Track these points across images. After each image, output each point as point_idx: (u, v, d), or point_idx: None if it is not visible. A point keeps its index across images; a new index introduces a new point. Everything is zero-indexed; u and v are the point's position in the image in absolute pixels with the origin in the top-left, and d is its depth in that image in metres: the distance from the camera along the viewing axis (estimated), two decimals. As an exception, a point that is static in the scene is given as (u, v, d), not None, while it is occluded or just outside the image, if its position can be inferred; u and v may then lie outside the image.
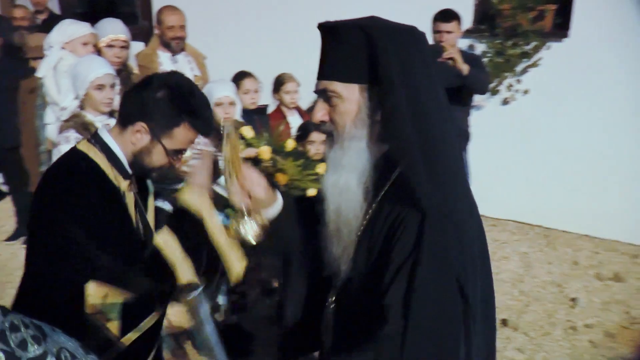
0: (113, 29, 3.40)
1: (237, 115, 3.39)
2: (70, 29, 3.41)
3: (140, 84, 1.68)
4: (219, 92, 3.24)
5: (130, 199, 1.73)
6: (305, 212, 1.58)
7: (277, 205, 1.57)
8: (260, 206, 1.55)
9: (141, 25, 5.99)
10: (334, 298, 1.50)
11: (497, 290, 4.10)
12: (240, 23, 5.56)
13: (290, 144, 3.07)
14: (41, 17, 5.95)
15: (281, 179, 2.88)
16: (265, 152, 2.99)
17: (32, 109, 3.83)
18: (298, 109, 3.94)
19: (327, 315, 1.52)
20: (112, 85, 2.75)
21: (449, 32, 3.80)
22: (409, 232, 1.26)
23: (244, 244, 1.60)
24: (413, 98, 1.27)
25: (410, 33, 1.33)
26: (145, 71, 3.47)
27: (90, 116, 2.75)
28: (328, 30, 1.35)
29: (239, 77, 3.65)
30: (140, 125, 1.61)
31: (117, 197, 1.67)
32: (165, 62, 3.97)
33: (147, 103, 1.60)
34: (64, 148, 2.66)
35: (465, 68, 3.56)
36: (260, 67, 4.01)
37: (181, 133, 1.62)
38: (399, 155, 1.29)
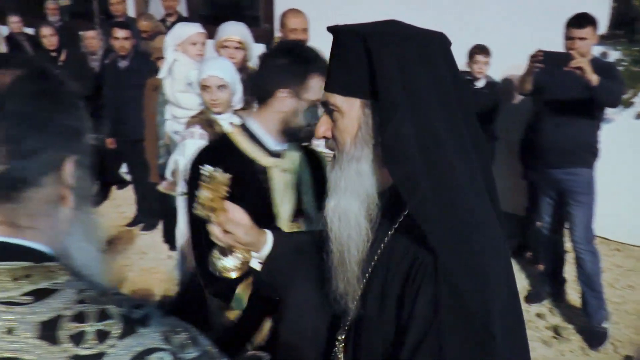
0: (228, 31, 3.47)
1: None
2: (180, 31, 3.58)
3: (262, 63, 1.94)
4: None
5: (278, 176, 1.89)
6: (309, 247, 1.46)
7: (266, 246, 1.46)
8: (246, 247, 1.44)
9: (263, 27, 6.14)
10: (343, 337, 1.34)
11: (619, 322, 3.79)
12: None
13: None
14: (170, 20, 6.30)
15: None
16: None
17: (154, 106, 4.09)
18: None
19: (336, 355, 1.36)
20: (221, 87, 2.80)
21: (582, 38, 3.48)
22: (426, 281, 1.09)
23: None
24: (420, 118, 1.08)
25: (425, 42, 1.13)
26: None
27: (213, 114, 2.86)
28: (334, 34, 1.19)
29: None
30: (280, 92, 1.82)
31: (251, 173, 1.85)
32: None
33: (277, 71, 1.82)
34: (188, 142, 2.80)
35: (594, 79, 3.25)
36: None
37: (313, 81, 1.82)
38: (400, 186, 1.09)
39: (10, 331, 0.70)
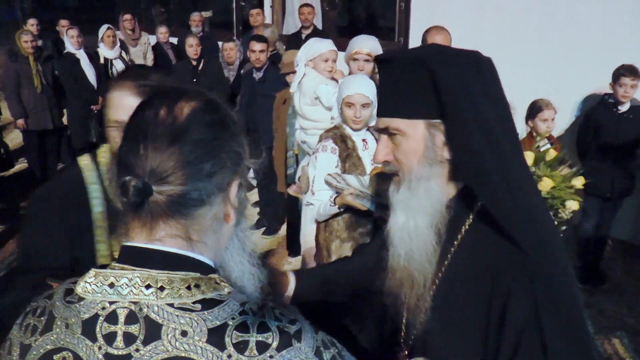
0: (358, 44, 3.51)
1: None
2: (313, 47, 3.63)
3: None
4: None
5: None
6: (337, 276, 1.54)
7: (290, 287, 1.52)
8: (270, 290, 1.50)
9: (398, 41, 6.10)
10: (406, 352, 1.33)
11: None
12: (503, 43, 5.32)
13: (552, 154, 2.89)
14: (306, 33, 6.46)
15: (545, 185, 2.76)
16: (529, 156, 2.83)
17: (284, 117, 4.22)
18: (550, 137, 3.62)
19: None
20: (365, 105, 2.79)
21: None
22: (517, 283, 1.11)
23: None
24: (486, 130, 1.13)
25: (473, 60, 1.20)
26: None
27: (348, 130, 2.87)
28: (384, 63, 1.24)
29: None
30: None
31: None
32: None
33: None
34: (320, 155, 2.83)
35: None
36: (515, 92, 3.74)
37: None
38: (482, 194, 1.14)
39: (184, 333, 0.79)
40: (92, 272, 0.85)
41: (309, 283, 1.55)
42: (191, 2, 9.56)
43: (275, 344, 0.80)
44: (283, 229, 5.32)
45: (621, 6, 4.48)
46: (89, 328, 0.81)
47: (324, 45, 3.65)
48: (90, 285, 0.83)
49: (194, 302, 0.81)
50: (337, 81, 3.57)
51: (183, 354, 0.77)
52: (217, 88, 5.79)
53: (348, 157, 2.80)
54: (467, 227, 1.22)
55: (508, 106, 1.21)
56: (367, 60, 3.49)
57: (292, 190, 4.46)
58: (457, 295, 1.21)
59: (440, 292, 1.24)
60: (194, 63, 5.96)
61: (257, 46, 4.96)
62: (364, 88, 2.78)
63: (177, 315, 0.80)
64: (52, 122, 6.37)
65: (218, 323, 0.80)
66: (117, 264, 0.85)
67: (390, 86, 1.22)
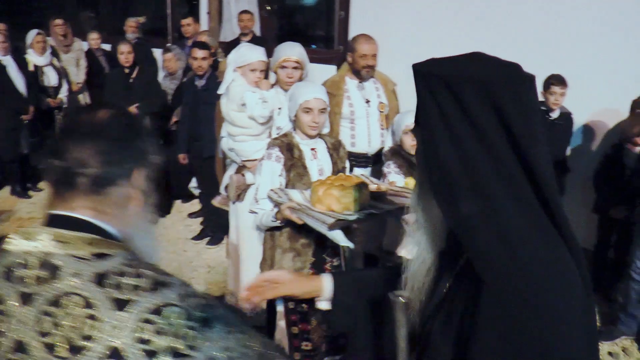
0: (286, 52, 3.48)
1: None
2: (243, 56, 3.54)
3: None
4: (408, 120, 3.22)
5: None
6: (375, 280, 1.52)
7: (326, 289, 1.51)
8: (303, 296, 1.52)
9: (337, 49, 6.17)
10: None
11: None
12: (442, 52, 5.47)
13: None
14: (245, 40, 6.40)
15: None
16: None
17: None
18: None
19: None
20: (322, 110, 2.78)
21: None
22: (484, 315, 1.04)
23: None
24: (456, 149, 1.04)
25: (487, 81, 1.04)
26: (332, 98, 3.50)
27: (297, 138, 2.85)
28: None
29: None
30: None
31: None
32: (351, 89, 4.05)
33: None
34: (265, 163, 2.80)
35: None
36: None
37: None
38: (448, 216, 1.08)
39: (77, 275, 1.04)
40: (17, 230, 1.12)
41: (346, 281, 1.54)
42: (122, 7, 9.31)
43: (146, 287, 1.04)
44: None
45: (558, 12, 4.70)
46: (7, 272, 1.07)
47: (254, 55, 3.56)
48: (14, 239, 1.10)
49: (89, 254, 1.07)
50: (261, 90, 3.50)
51: (75, 291, 1.02)
52: (150, 96, 5.68)
53: (293, 166, 2.78)
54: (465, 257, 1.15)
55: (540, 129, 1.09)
56: (295, 68, 3.46)
57: (216, 202, 4.34)
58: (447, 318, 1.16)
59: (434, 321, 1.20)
60: (126, 71, 5.79)
61: (199, 53, 4.90)
62: (321, 93, 2.79)
63: (74, 262, 1.05)
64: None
65: (104, 269, 1.05)
66: (37, 225, 1.12)
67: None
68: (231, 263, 3.65)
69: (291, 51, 3.47)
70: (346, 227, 2.48)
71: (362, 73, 4.01)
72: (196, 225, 5.82)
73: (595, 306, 1.12)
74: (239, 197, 3.50)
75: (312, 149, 2.88)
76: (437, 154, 1.06)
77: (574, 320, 1.01)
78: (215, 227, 5.39)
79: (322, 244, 2.75)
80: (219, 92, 3.65)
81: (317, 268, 2.83)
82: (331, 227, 2.37)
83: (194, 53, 4.94)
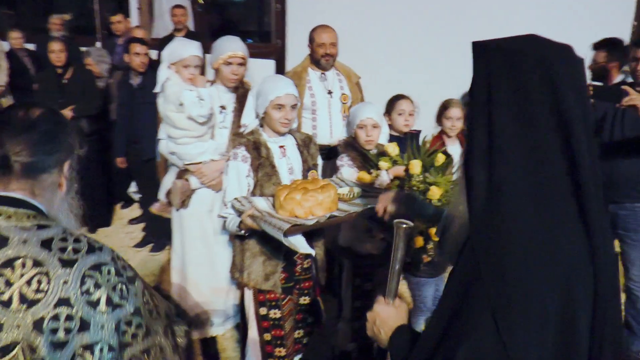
0: (231, 47, 3.25)
1: (383, 139, 3.24)
2: (176, 51, 3.28)
3: None
4: (363, 114, 3.13)
5: None
6: None
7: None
8: None
9: (275, 43, 6.03)
10: None
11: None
12: (382, 43, 5.44)
13: (440, 159, 2.90)
14: (179, 35, 6.18)
15: (435, 192, 2.73)
16: (415, 165, 2.83)
17: None
18: (461, 138, 3.67)
19: None
20: (293, 106, 2.65)
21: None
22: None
23: None
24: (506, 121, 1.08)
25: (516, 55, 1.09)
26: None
27: (264, 136, 2.71)
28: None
29: (395, 99, 3.50)
30: None
31: None
32: (313, 80, 3.99)
33: None
34: (231, 164, 2.64)
35: None
36: (422, 93, 3.78)
37: None
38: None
39: (25, 241, 1.25)
40: None
41: None
42: (43, 4, 8.80)
43: (84, 250, 1.30)
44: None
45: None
46: None
47: (188, 50, 3.26)
48: None
49: (32, 226, 1.29)
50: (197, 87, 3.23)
51: (25, 254, 1.24)
52: (86, 98, 5.35)
53: (260, 166, 2.63)
54: None
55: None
56: (241, 64, 3.26)
57: (155, 209, 4.02)
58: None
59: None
60: (59, 71, 5.38)
61: (139, 49, 4.66)
62: (292, 88, 2.65)
63: (20, 232, 1.27)
64: None
65: (48, 236, 1.28)
66: None
67: None
68: (175, 272, 3.46)
69: (237, 46, 3.26)
70: (311, 232, 2.36)
71: (322, 62, 3.99)
72: (138, 232, 5.57)
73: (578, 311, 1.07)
74: (184, 203, 3.30)
75: (281, 147, 2.73)
76: (483, 124, 1.09)
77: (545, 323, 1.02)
78: (157, 233, 5.16)
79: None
80: (154, 90, 3.37)
81: (289, 272, 2.72)
82: (287, 234, 2.24)
83: (133, 49, 4.69)
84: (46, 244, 1.25)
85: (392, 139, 3.33)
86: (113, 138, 5.24)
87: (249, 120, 2.76)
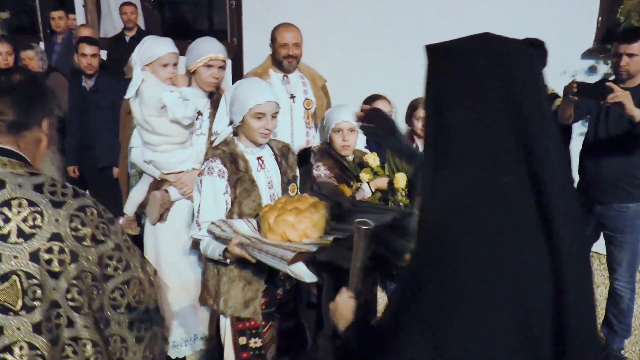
0: (212, 49, 3.05)
1: (360, 143, 3.11)
2: (149, 50, 3.04)
3: None
4: (338, 117, 2.97)
5: None
6: None
7: None
8: None
9: (231, 42, 5.82)
10: None
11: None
12: (372, 47, 5.28)
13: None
14: (129, 35, 5.91)
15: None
16: (400, 179, 2.72)
17: (129, 130, 3.47)
18: None
19: None
20: (274, 115, 2.41)
21: (631, 55, 3.08)
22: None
23: None
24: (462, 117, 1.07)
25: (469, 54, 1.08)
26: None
27: (241, 147, 2.44)
28: None
29: (371, 100, 3.38)
30: None
31: None
32: (275, 83, 3.68)
33: None
34: (205, 179, 2.36)
35: (637, 114, 2.86)
36: (395, 93, 3.67)
37: None
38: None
39: (20, 185, 1.44)
40: None
41: None
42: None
43: (70, 194, 1.49)
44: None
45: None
46: None
47: (162, 48, 3.04)
48: None
49: (25, 172, 1.48)
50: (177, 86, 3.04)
51: (19, 195, 1.42)
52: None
53: (239, 181, 2.35)
54: None
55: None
56: (221, 67, 3.09)
57: (121, 223, 3.69)
58: None
59: None
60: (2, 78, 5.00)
61: (88, 49, 4.36)
62: (273, 95, 2.39)
63: (15, 177, 1.45)
64: None
65: (39, 182, 1.47)
66: None
67: None
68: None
69: (218, 48, 3.06)
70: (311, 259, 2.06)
71: (284, 64, 3.67)
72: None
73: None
74: (162, 217, 3.04)
75: (259, 158, 2.47)
76: (442, 123, 1.08)
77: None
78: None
79: (274, 268, 2.22)
80: (126, 96, 3.08)
81: (269, 295, 2.47)
82: (292, 262, 1.98)
83: (81, 49, 4.37)
84: (38, 188, 1.45)
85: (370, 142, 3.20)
86: (64, 145, 4.93)
87: (221, 128, 2.49)
